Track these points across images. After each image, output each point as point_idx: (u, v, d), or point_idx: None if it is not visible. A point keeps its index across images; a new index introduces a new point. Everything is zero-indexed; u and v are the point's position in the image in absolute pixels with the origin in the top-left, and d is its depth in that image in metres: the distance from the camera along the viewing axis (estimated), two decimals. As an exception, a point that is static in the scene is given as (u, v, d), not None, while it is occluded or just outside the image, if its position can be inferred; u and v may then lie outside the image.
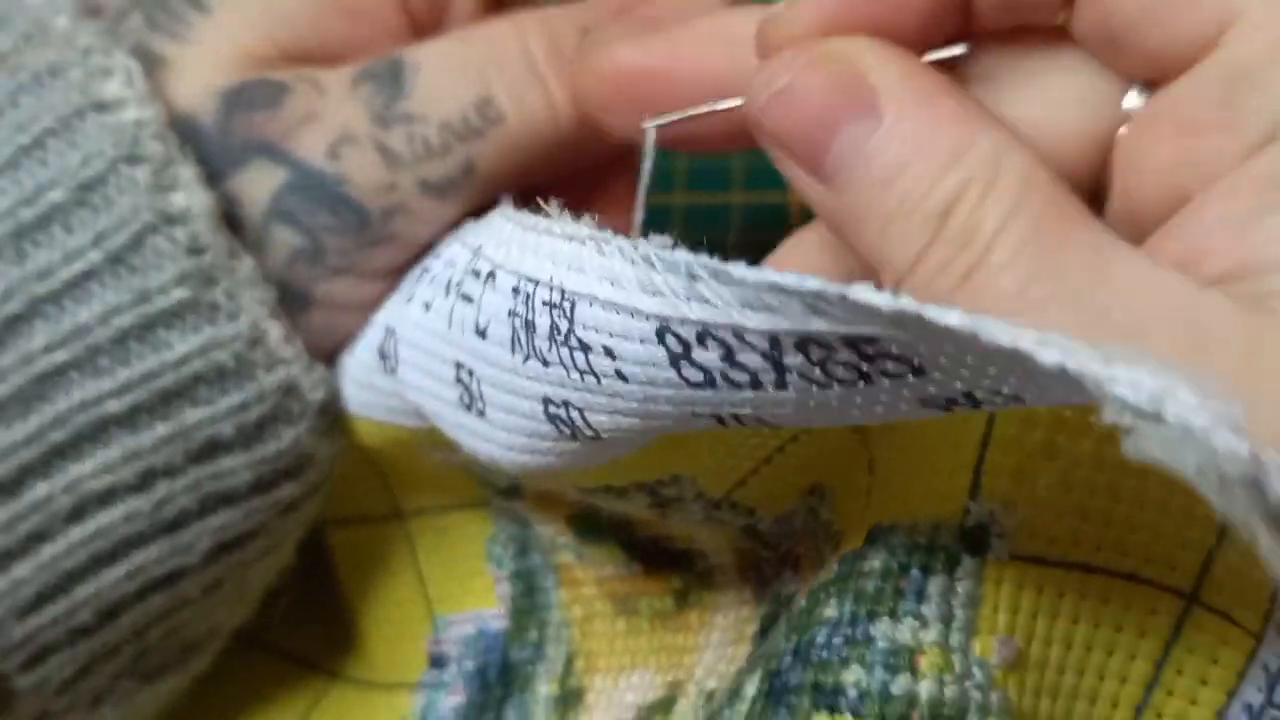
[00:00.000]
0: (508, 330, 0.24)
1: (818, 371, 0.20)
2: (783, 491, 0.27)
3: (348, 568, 0.35)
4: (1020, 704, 0.22)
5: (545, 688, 0.32)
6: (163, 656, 0.30)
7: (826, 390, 0.20)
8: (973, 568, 0.23)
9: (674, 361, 0.21)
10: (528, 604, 0.32)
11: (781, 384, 0.20)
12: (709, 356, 0.20)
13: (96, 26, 0.28)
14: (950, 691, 0.22)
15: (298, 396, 0.28)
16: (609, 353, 0.22)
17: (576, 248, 0.22)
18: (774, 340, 0.20)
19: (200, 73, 0.28)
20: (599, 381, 0.22)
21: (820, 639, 0.23)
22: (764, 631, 0.28)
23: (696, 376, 0.21)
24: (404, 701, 0.34)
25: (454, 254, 0.27)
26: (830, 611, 0.23)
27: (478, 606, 0.33)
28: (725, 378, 0.21)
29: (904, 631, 0.22)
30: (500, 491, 0.32)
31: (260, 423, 0.28)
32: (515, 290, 0.23)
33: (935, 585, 0.23)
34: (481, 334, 0.24)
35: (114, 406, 0.27)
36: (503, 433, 0.25)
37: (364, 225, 0.28)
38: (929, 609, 0.22)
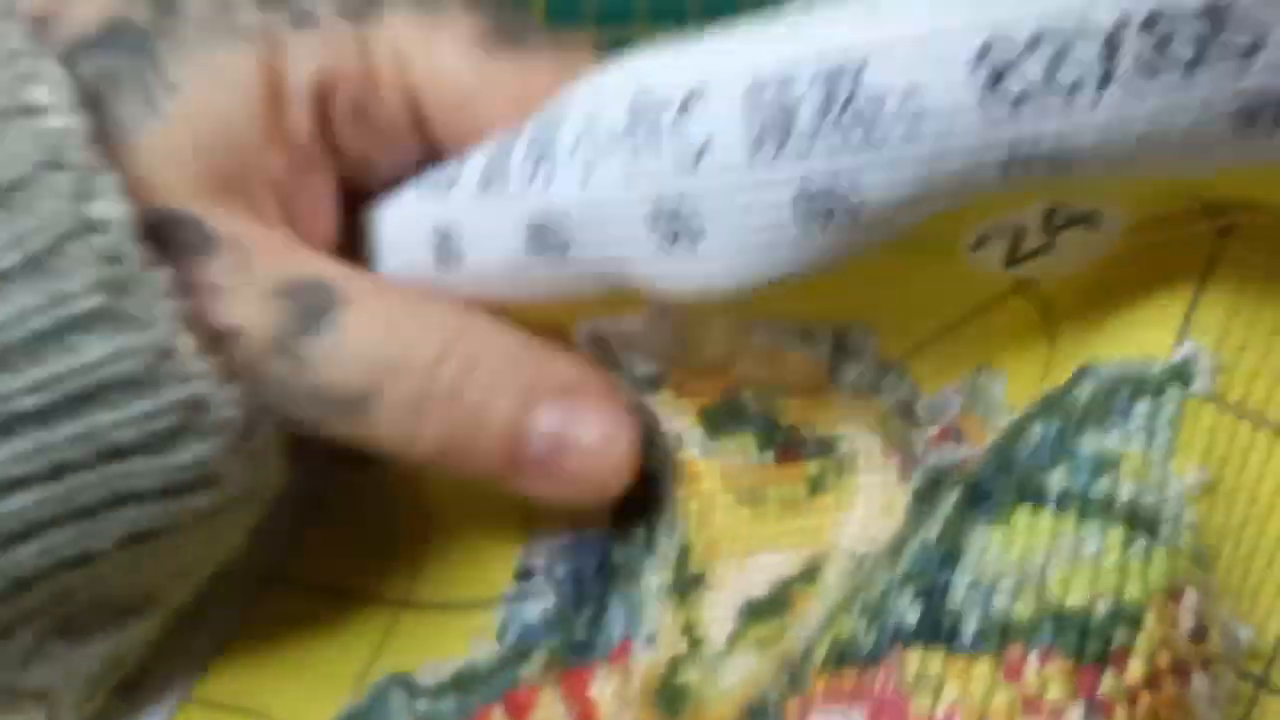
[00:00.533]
0: (744, 136, 0.25)
1: (1154, 53, 0.21)
2: (953, 366, 0.28)
3: (439, 488, 0.36)
4: (1206, 534, 0.23)
5: (656, 578, 0.32)
6: (92, 620, 0.31)
7: (1150, 83, 0.21)
8: (1177, 395, 0.24)
9: (991, 81, 0.22)
10: (639, 502, 0.33)
11: (1105, 81, 0.21)
12: (1031, 69, 0.22)
13: (24, 31, 0.28)
14: (1147, 498, 0.23)
15: (205, 412, 0.28)
16: (908, 95, 0.23)
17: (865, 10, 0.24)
18: (1121, 21, 0.21)
19: (149, 166, 0.29)
20: (886, 139, 0.23)
21: (1025, 453, 0.24)
22: (921, 498, 0.29)
23: (1006, 99, 0.22)
24: (482, 619, 0.34)
25: (585, 120, 0.28)
26: (1036, 429, 0.24)
27: (578, 526, 0.34)
28: (1040, 95, 0.22)
29: (1109, 440, 0.23)
30: (636, 381, 0.32)
31: (167, 434, 0.28)
32: (753, 88, 0.25)
33: (1141, 406, 0.24)
34: (697, 158, 0.25)
35: (26, 403, 0.27)
36: (725, 256, 0.26)
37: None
38: (1133, 424, 0.24)
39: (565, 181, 0.28)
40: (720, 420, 0.32)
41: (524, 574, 0.34)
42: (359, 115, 0.32)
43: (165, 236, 0.29)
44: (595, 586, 0.33)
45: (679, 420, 0.32)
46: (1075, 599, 0.22)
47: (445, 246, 0.31)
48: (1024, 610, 0.22)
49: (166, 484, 0.29)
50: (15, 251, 0.27)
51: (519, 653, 0.33)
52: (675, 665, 0.31)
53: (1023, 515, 0.23)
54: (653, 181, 0.26)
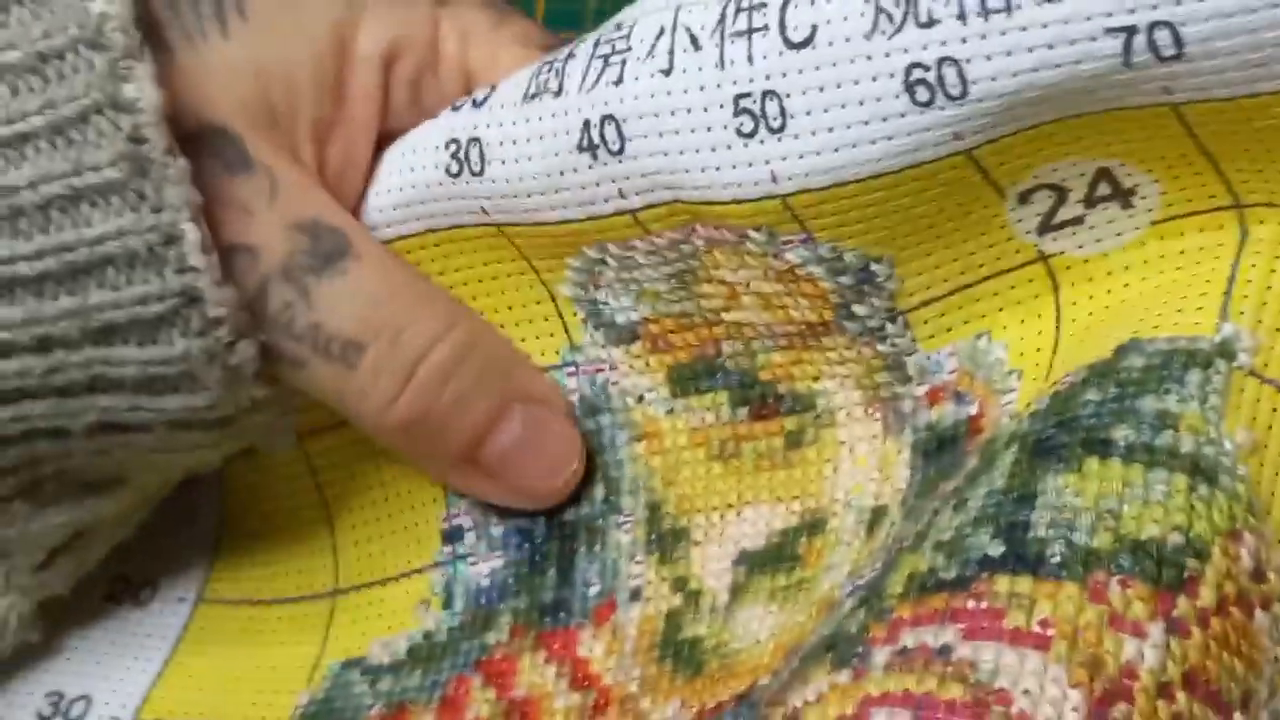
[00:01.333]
0: (860, 17, 0.27)
1: None
2: (956, 327, 0.31)
3: (332, 474, 0.37)
4: (1258, 489, 0.25)
5: (625, 536, 0.33)
6: (58, 490, 0.33)
7: None
8: (1225, 368, 0.26)
9: None
10: (590, 462, 0.34)
11: None
12: None
13: None
14: (1206, 450, 0.25)
15: (199, 308, 0.29)
16: None
17: None
18: None
19: (201, 86, 0.31)
20: (1009, 14, 0.25)
21: (1086, 412, 0.26)
22: (927, 455, 0.31)
23: None
24: (419, 584, 0.35)
25: (669, 18, 0.30)
26: (1091, 395, 0.26)
27: None
28: None
29: (1167, 403, 0.25)
30: (615, 331, 0.33)
31: (156, 321, 0.29)
32: None
33: (1193, 376, 0.26)
34: (797, 46, 0.27)
35: (25, 269, 0.29)
36: (814, 136, 0.28)
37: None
38: (1187, 390, 0.26)
39: (643, 74, 0.29)
40: (690, 378, 0.33)
41: (452, 534, 0.35)
42: (415, 87, 0.34)
43: (205, 145, 0.30)
44: (551, 545, 0.34)
45: (644, 378, 0.34)
46: (1149, 532, 0.24)
47: (463, 158, 0.32)
48: (1103, 542, 0.24)
49: (144, 377, 0.30)
50: (42, 116, 0.28)
51: (480, 618, 0.34)
52: (675, 619, 0.32)
53: (1093, 463, 0.25)
54: (748, 72, 0.28)
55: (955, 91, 0.26)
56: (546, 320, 0.35)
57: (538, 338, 0.35)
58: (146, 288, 0.29)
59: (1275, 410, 0.26)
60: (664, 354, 0.34)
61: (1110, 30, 0.25)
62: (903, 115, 0.27)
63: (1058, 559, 0.24)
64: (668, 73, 0.29)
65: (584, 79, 0.30)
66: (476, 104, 0.33)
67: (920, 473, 0.31)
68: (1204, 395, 0.26)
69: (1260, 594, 0.24)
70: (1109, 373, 0.27)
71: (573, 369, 0.34)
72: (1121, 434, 0.25)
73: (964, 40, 0.26)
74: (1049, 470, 0.25)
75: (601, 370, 0.34)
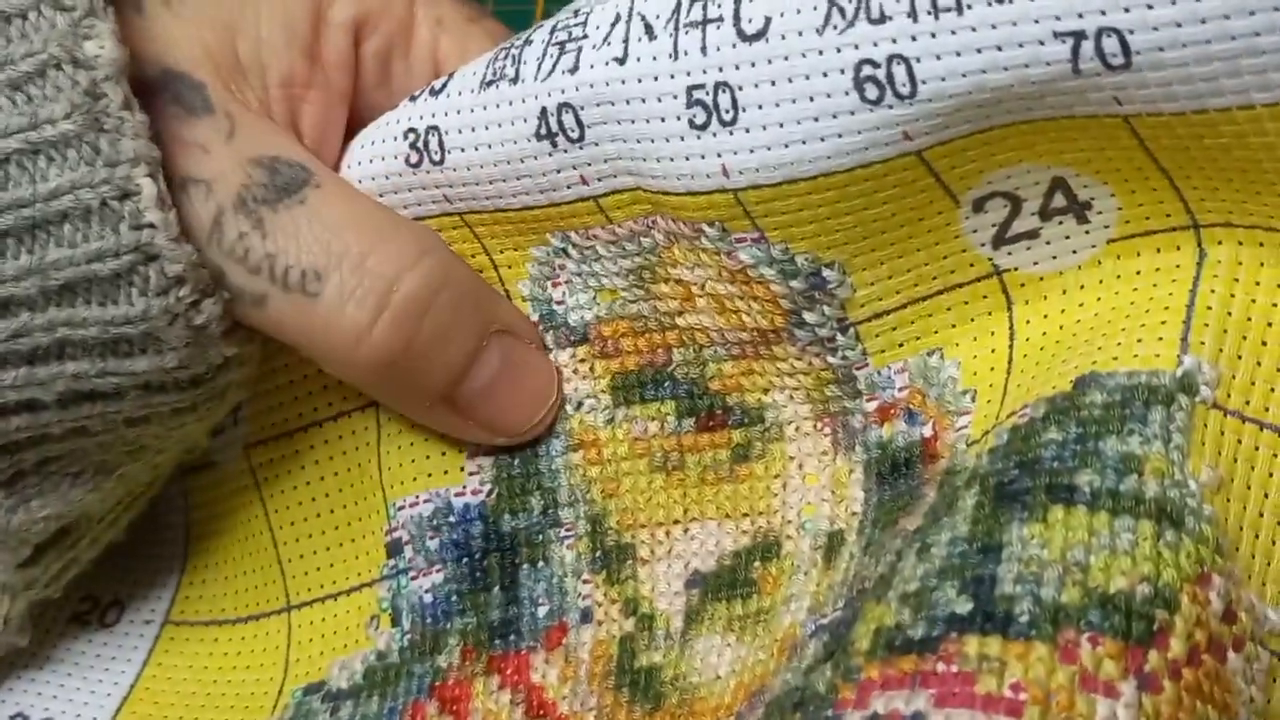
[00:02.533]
0: (813, 10, 0.26)
1: None
2: (908, 343, 0.30)
3: (275, 486, 0.36)
4: (1224, 527, 0.25)
5: (568, 552, 0.33)
6: (40, 482, 0.32)
7: None
8: (1187, 404, 0.26)
9: None
10: (524, 471, 0.33)
11: None
12: None
13: None
14: (1171, 494, 0.25)
15: (156, 265, 0.29)
16: None
17: None
18: None
19: (168, 38, 0.31)
20: (960, 13, 0.25)
21: (1048, 454, 0.26)
22: (881, 477, 0.30)
23: None
24: (367, 597, 0.34)
25: (625, 7, 0.29)
26: (1053, 435, 0.26)
27: (436, 486, 0.34)
28: None
29: (1130, 444, 0.25)
30: (565, 331, 0.33)
31: (114, 279, 0.29)
32: None
33: (1156, 414, 0.26)
34: (750, 39, 0.27)
35: None
36: (765, 131, 0.27)
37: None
38: (1150, 430, 0.25)
39: (598, 62, 0.29)
40: (634, 386, 0.33)
41: (394, 547, 0.34)
42: (384, 65, 0.34)
43: (166, 90, 0.30)
44: (491, 559, 0.33)
45: (585, 384, 0.33)
46: (1118, 584, 0.23)
47: (422, 147, 0.32)
48: (1071, 597, 0.23)
49: (108, 339, 0.30)
50: (2, 72, 0.28)
51: (429, 638, 0.33)
52: (629, 645, 0.32)
53: (1057, 513, 0.25)
54: (703, 63, 0.28)
55: (905, 90, 0.26)
56: None
57: None
58: (101, 244, 0.29)
59: (1239, 443, 0.26)
60: (611, 359, 0.33)
61: (1058, 35, 0.24)
62: (852, 113, 0.27)
63: (1026, 617, 0.23)
64: (622, 61, 0.29)
65: (539, 66, 0.30)
66: (434, 92, 0.32)
67: (875, 495, 0.30)
68: (1167, 434, 0.25)
69: (1232, 636, 0.24)
70: (1069, 410, 0.26)
71: None
72: (1085, 479, 0.25)
73: (914, 38, 0.25)
74: (1014, 519, 0.25)
75: None
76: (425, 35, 0.35)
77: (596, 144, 0.30)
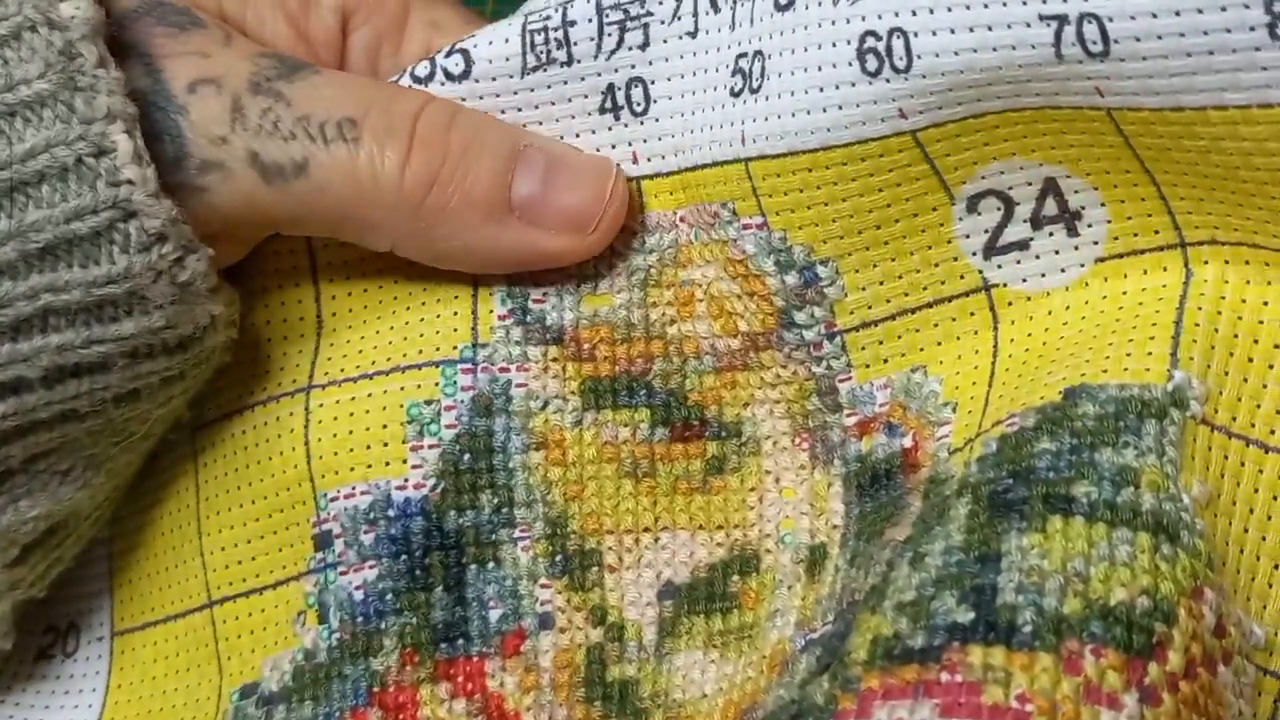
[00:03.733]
0: None
1: None
2: (892, 358, 0.31)
3: (210, 472, 0.35)
4: (1214, 542, 0.26)
5: (524, 554, 0.32)
6: (28, 482, 0.32)
7: None
8: (1178, 418, 0.26)
9: None
10: (473, 466, 0.33)
11: None
12: None
13: None
14: (1166, 507, 0.25)
15: (136, 222, 0.29)
16: None
17: None
18: None
19: None
20: None
21: (1043, 464, 0.26)
22: (861, 490, 0.30)
23: None
24: (292, 592, 0.33)
25: None
26: (1046, 445, 0.26)
27: (375, 477, 0.33)
28: None
29: (1125, 456, 0.25)
30: (543, 330, 0.33)
31: (94, 238, 0.29)
32: None
33: (1149, 427, 0.26)
34: (782, 8, 0.29)
35: None
36: (779, 99, 0.29)
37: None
38: (1145, 442, 0.26)
39: (670, 36, 0.31)
40: (606, 393, 0.33)
41: (322, 540, 0.33)
42: (373, 58, 0.34)
43: (153, 14, 0.31)
44: (433, 557, 0.32)
45: (554, 384, 0.33)
46: (1118, 596, 0.24)
47: None
48: (1073, 607, 0.23)
49: (92, 302, 0.29)
50: None
51: (361, 638, 0.32)
52: (598, 656, 0.31)
53: (1056, 523, 0.25)
54: (749, 32, 0.29)
55: (901, 64, 0.27)
56: (455, 314, 0.33)
57: (437, 332, 0.33)
58: (79, 201, 0.29)
59: (1227, 457, 0.27)
60: (584, 364, 0.33)
61: (1043, 18, 0.25)
62: (853, 84, 0.27)
63: (1029, 628, 0.23)
64: (694, 35, 0.30)
65: (599, 45, 0.31)
66: (453, 77, 0.32)
67: (856, 508, 0.30)
68: (1161, 448, 0.26)
69: (1222, 650, 0.25)
70: (1061, 420, 0.26)
71: (469, 365, 0.33)
72: (1083, 490, 0.25)
73: (914, 12, 0.26)
74: (1011, 528, 0.25)
75: (506, 370, 0.33)
76: (418, 35, 0.35)
77: (657, 119, 0.31)
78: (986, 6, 0.25)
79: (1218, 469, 0.26)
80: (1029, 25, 0.25)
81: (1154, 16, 0.24)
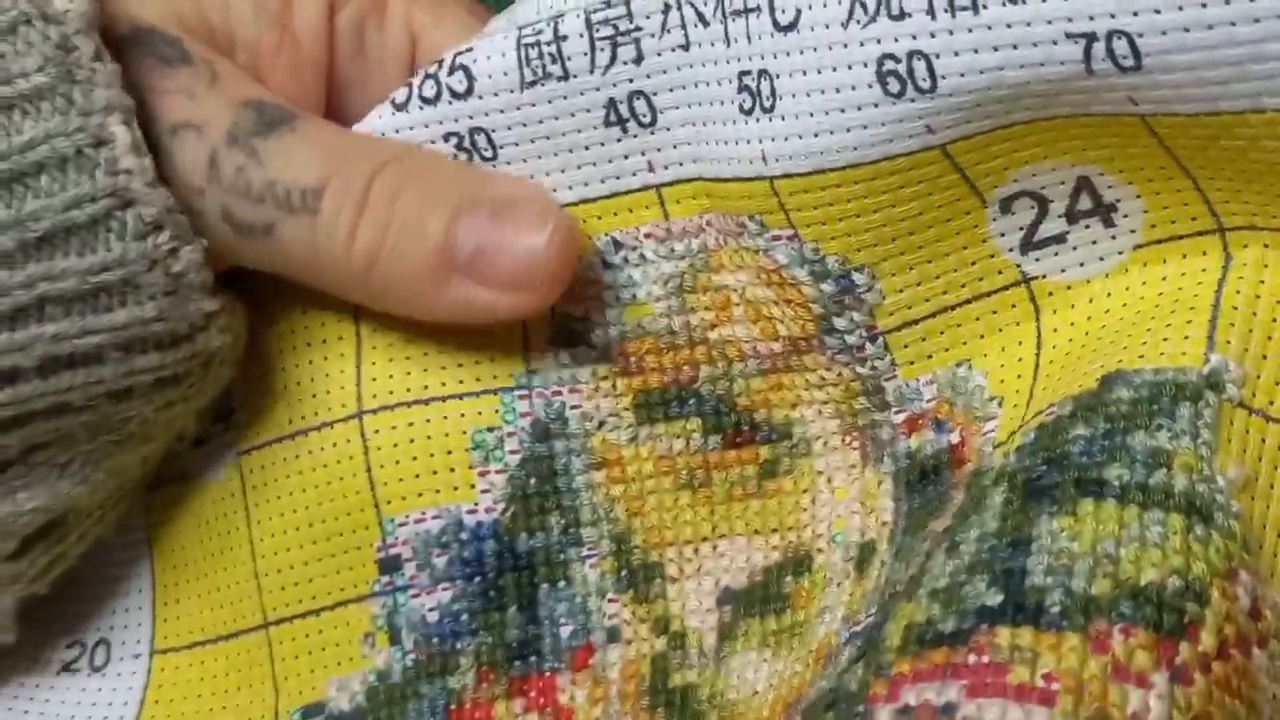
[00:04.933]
0: (837, 4, 0.27)
1: None
2: (936, 354, 0.31)
3: (261, 495, 0.35)
4: (1250, 524, 0.25)
5: (592, 572, 0.33)
6: (26, 473, 0.32)
7: None
8: (1214, 401, 0.26)
9: None
10: (541, 490, 0.33)
11: None
12: None
13: None
14: (1200, 489, 0.25)
15: (133, 211, 0.30)
16: None
17: None
18: None
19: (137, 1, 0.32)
20: (976, 13, 0.26)
21: (1076, 449, 0.26)
22: (910, 486, 0.30)
23: None
24: (356, 613, 0.34)
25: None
26: (1080, 430, 0.26)
27: (444, 502, 0.33)
28: None
29: (1159, 439, 0.25)
30: (591, 349, 0.33)
31: (91, 225, 0.30)
32: None
33: (1183, 410, 0.26)
34: (784, 29, 0.28)
35: None
36: (797, 120, 0.28)
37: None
38: (1179, 425, 0.26)
39: (664, 49, 0.30)
40: (658, 404, 0.33)
41: (389, 564, 0.34)
42: (359, 37, 0.35)
43: (141, 44, 0.31)
44: (507, 578, 0.33)
45: (607, 402, 0.33)
46: (1148, 576, 0.23)
47: (470, 146, 0.33)
48: (1103, 589, 0.23)
49: (86, 290, 0.30)
50: None
51: (437, 658, 0.33)
52: (661, 664, 0.32)
53: (1087, 505, 0.25)
54: (749, 50, 0.29)
55: (925, 85, 0.27)
56: (507, 340, 0.34)
57: (492, 360, 0.34)
58: (78, 190, 0.29)
59: (1264, 441, 0.26)
60: (633, 377, 0.33)
61: (1070, 36, 0.25)
62: (876, 105, 0.27)
63: (1058, 608, 0.23)
64: (686, 48, 0.30)
65: (593, 61, 0.31)
66: (458, 95, 0.33)
67: (905, 504, 0.30)
68: (1195, 430, 0.25)
69: (1257, 633, 0.24)
70: (1096, 406, 0.26)
71: (525, 392, 0.34)
72: (1115, 473, 0.25)
73: (933, 35, 0.26)
74: (1042, 512, 0.25)
75: (559, 393, 0.33)
76: (399, 9, 0.35)
77: (668, 129, 0.31)
78: (1010, 27, 0.25)
79: (1255, 452, 0.26)
80: (1056, 43, 0.25)
81: (1186, 31, 0.24)
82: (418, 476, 0.34)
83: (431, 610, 0.33)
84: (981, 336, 0.30)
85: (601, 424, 0.33)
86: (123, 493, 0.36)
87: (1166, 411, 0.26)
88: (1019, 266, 0.29)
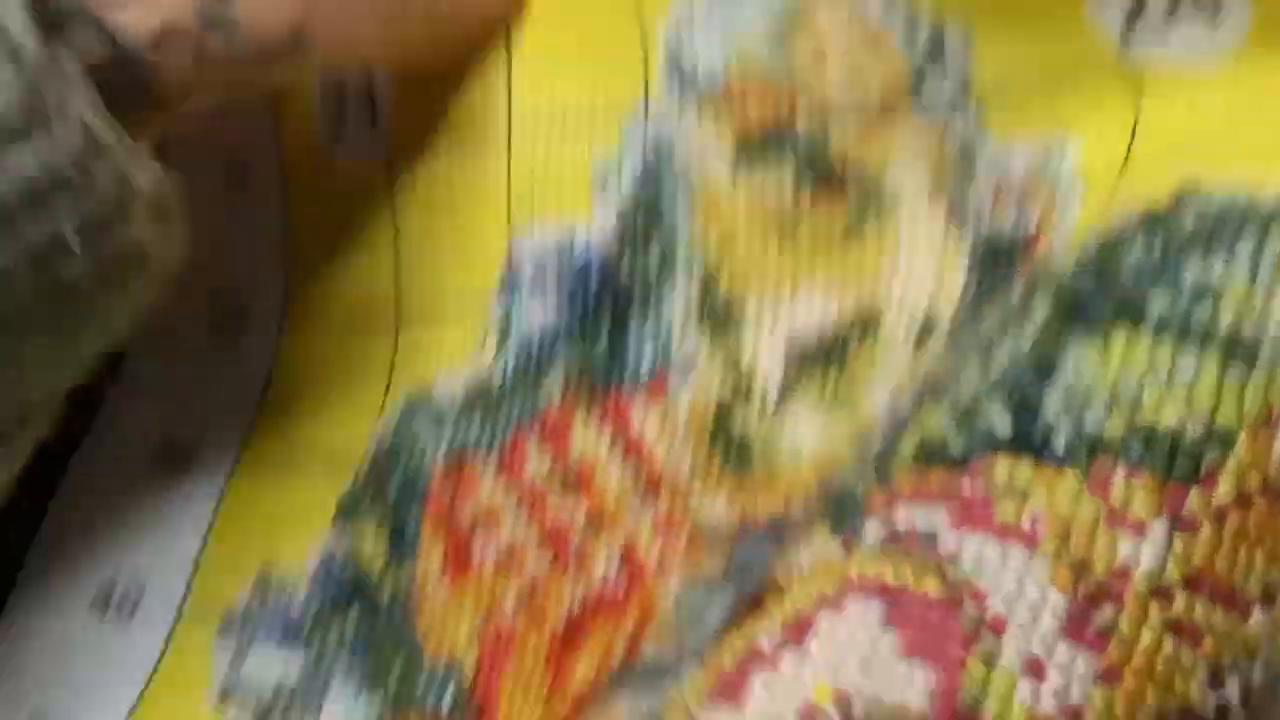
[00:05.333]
0: None
1: None
2: (1031, 117, 0.29)
3: (408, 209, 0.36)
4: None
5: (679, 306, 0.33)
6: None
7: None
8: None
9: None
10: (646, 222, 0.33)
11: None
12: None
13: None
14: (1247, 329, 0.23)
15: (128, 187, 0.28)
16: None
17: None
18: None
19: None
20: None
21: (1125, 270, 0.24)
22: (983, 265, 0.29)
23: None
24: (476, 320, 0.35)
25: None
26: (1137, 253, 0.24)
27: (564, 221, 0.34)
28: None
29: (1212, 270, 0.24)
30: (694, 89, 0.33)
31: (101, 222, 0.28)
32: None
33: (1246, 244, 0.24)
34: None
35: None
36: None
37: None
38: (1238, 258, 0.24)
39: None
40: (757, 148, 0.32)
41: (511, 276, 0.35)
42: None
43: None
44: (604, 305, 0.34)
45: (713, 141, 0.33)
46: (1167, 420, 0.22)
47: None
48: (1115, 427, 0.22)
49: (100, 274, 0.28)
50: None
51: (533, 370, 0.34)
52: (728, 411, 0.32)
53: (1120, 334, 0.23)
54: None
55: None
56: (630, 66, 0.34)
57: (618, 85, 0.34)
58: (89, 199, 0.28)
59: None
60: (736, 116, 0.32)
61: None
62: None
63: (1064, 443, 0.22)
64: None
65: None
66: None
67: (973, 286, 0.29)
68: (1255, 265, 0.23)
69: None
70: (1159, 224, 0.25)
71: (642, 122, 0.34)
72: (1157, 303, 0.23)
73: None
74: (1073, 335, 0.24)
75: (669, 126, 0.33)
76: None
77: None
78: None
79: None
80: None
81: None
82: (545, 190, 0.34)
83: (536, 329, 0.34)
84: (1075, 113, 0.28)
85: (705, 162, 0.33)
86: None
87: (1227, 242, 0.24)
88: (1118, 45, 0.27)
